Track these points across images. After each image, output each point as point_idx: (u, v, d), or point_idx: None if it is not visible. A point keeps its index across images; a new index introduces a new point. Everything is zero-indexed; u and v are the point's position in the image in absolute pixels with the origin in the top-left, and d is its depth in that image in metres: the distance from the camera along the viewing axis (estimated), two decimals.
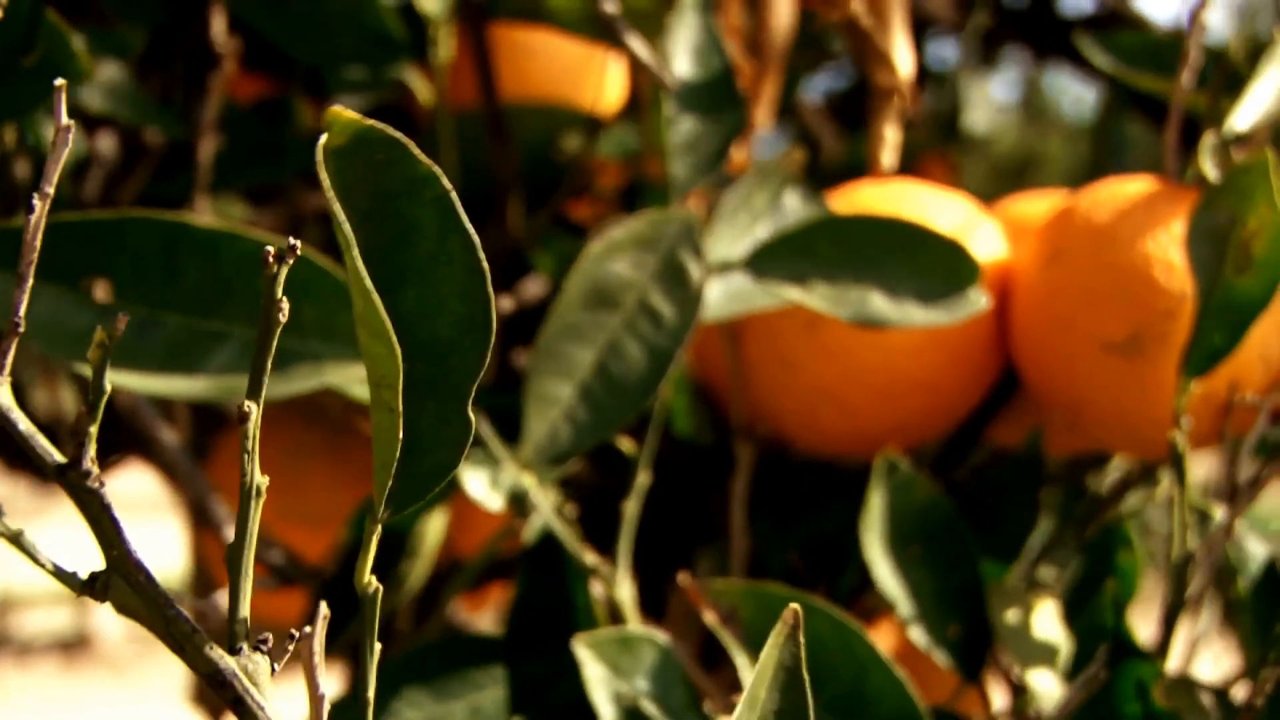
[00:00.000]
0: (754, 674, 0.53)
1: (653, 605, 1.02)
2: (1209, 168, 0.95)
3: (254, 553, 0.85)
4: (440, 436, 0.51)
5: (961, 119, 2.29)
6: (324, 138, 0.48)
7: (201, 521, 1.13)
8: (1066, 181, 1.53)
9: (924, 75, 1.77)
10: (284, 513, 1.12)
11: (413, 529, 0.96)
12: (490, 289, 0.50)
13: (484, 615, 1.40)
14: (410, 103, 1.21)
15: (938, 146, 2.45)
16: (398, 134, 0.49)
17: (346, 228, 0.48)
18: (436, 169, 0.50)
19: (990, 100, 2.28)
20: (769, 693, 0.53)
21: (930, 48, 2.43)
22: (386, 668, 0.88)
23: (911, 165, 2.42)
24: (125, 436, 1.10)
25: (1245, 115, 0.99)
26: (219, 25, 1.06)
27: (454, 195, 0.50)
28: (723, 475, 1.05)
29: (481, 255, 0.50)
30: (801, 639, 0.54)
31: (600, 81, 1.21)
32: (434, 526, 0.96)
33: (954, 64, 1.55)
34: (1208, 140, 0.96)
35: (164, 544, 1.98)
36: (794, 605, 0.54)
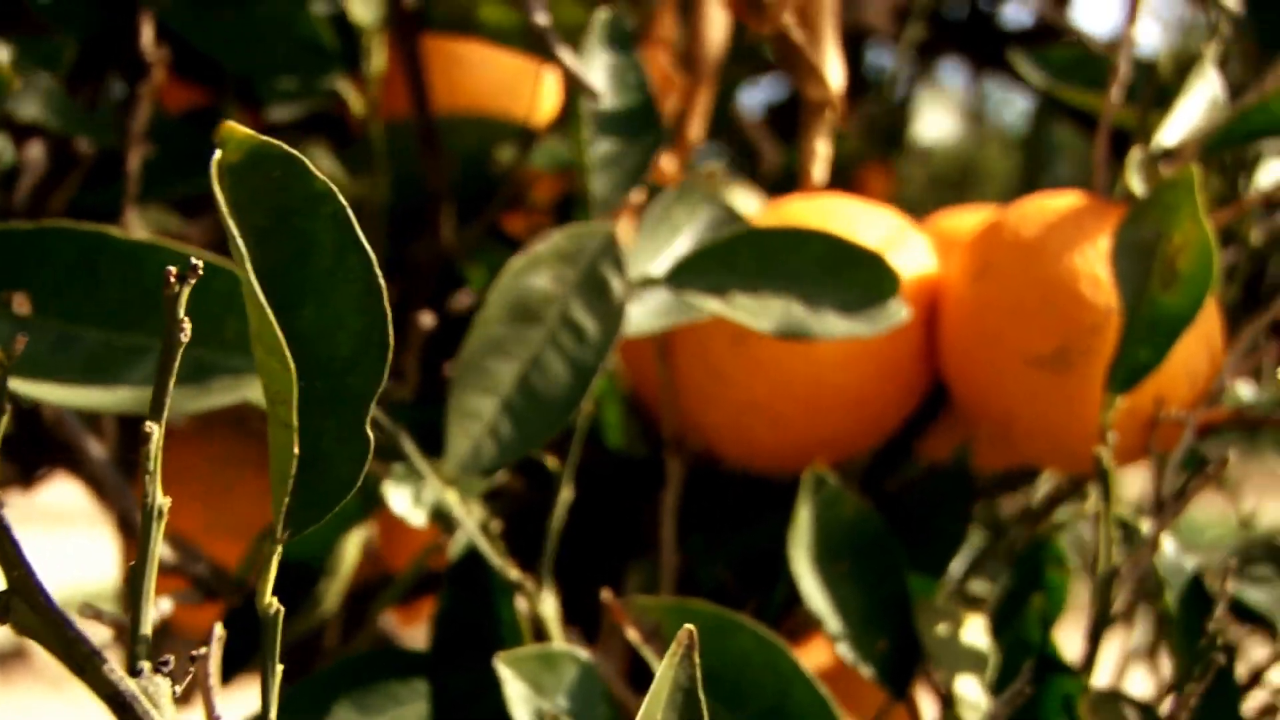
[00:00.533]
0: (649, 695, 0.52)
1: (587, 620, 1.01)
2: (1136, 183, 0.95)
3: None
4: (340, 454, 0.51)
5: (905, 129, 2.30)
6: (218, 154, 0.48)
7: (130, 535, 1.12)
8: (1008, 192, 1.53)
9: (863, 86, 1.77)
10: (211, 525, 1.11)
11: (333, 546, 0.95)
12: (386, 306, 0.50)
13: (420, 630, 1.40)
14: (346, 112, 1.20)
15: (878, 157, 2.46)
16: (293, 151, 0.49)
17: (240, 244, 0.47)
18: (332, 186, 0.49)
19: (938, 110, 2.28)
20: (665, 714, 0.53)
21: (871, 58, 2.45)
22: (311, 682, 0.88)
23: (852, 175, 2.43)
24: (53, 448, 1.09)
25: (1173, 130, 0.99)
26: (147, 34, 1.05)
27: (350, 212, 0.50)
28: (655, 489, 1.04)
29: (378, 272, 0.50)
30: (697, 659, 0.53)
31: (536, 93, 1.21)
32: (353, 543, 0.95)
33: (894, 74, 1.55)
34: (1135, 155, 0.97)
35: (99, 555, 1.96)
36: (689, 626, 0.54)
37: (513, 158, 1.20)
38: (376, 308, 0.51)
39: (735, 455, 1.05)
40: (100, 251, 0.78)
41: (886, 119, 2.34)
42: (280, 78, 1.13)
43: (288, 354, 0.47)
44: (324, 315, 0.51)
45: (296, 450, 0.49)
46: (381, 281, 0.51)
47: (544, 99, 1.25)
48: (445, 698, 0.86)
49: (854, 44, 2.28)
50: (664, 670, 0.53)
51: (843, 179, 1.48)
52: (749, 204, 1.48)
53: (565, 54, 0.92)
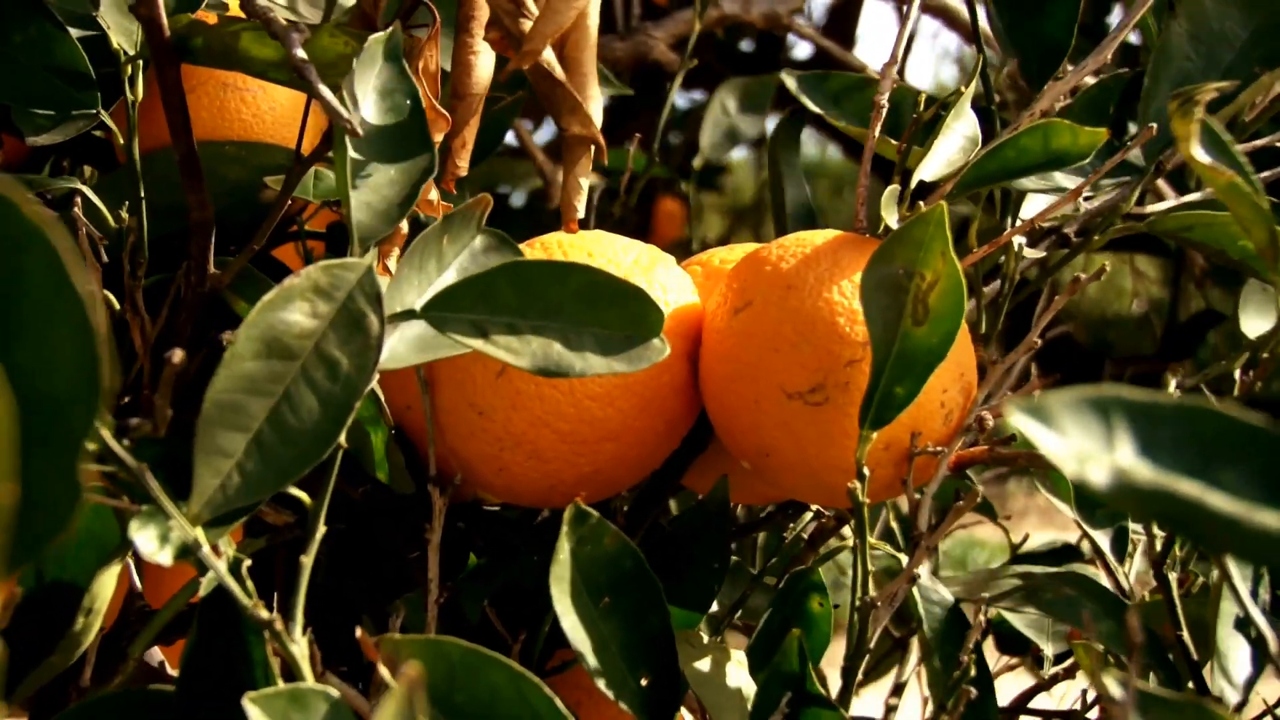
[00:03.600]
0: None
1: (356, 659, 1.00)
2: (893, 218, 0.97)
3: None
4: (54, 495, 0.50)
5: (696, 163, 2.31)
6: None
7: None
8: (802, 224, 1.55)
9: (656, 120, 1.78)
10: None
11: (90, 585, 0.93)
12: (100, 346, 0.49)
13: None
14: (114, 138, 1.18)
15: (672, 190, 2.48)
16: (8, 188, 0.48)
17: None
18: (46, 226, 0.48)
19: (725, 142, 2.29)
20: None
21: (665, 93, 2.46)
22: None
23: (647, 208, 2.44)
24: None
25: (930, 166, 1.01)
26: None
27: (63, 252, 0.49)
28: (422, 524, 1.04)
29: (90, 313, 0.49)
30: (422, 697, 0.53)
31: (311, 122, 1.20)
32: (109, 579, 0.93)
33: (685, 108, 1.56)
34: (892, 191, 0.98)
35: None
36: (414, 663, 0.53)
37: (285, 187, 1.18)
38: (90, 348, 0.50)
39: (497, 489, 1.04)
40: None
41: (677, 153, 2.36)
42: (37, 105, 1.10)
43: (4, 392, 0.46)
44: (39, 355, 0.50)
45: (14, 493, 0.48)
46: (95, 324, 0.50)
47: (315, 127, 1.24)
48: None
49: (646, 80, 2.30)
50: (387, 707, 0.53)
51: (639, 212, 1.49)
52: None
53: (322, 88, 0.91)
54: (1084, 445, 0.51)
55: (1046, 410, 0.51)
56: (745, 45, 2.40)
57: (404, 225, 1.02)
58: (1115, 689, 0.64)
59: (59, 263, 0.49)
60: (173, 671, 1.22)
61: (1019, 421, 0.50)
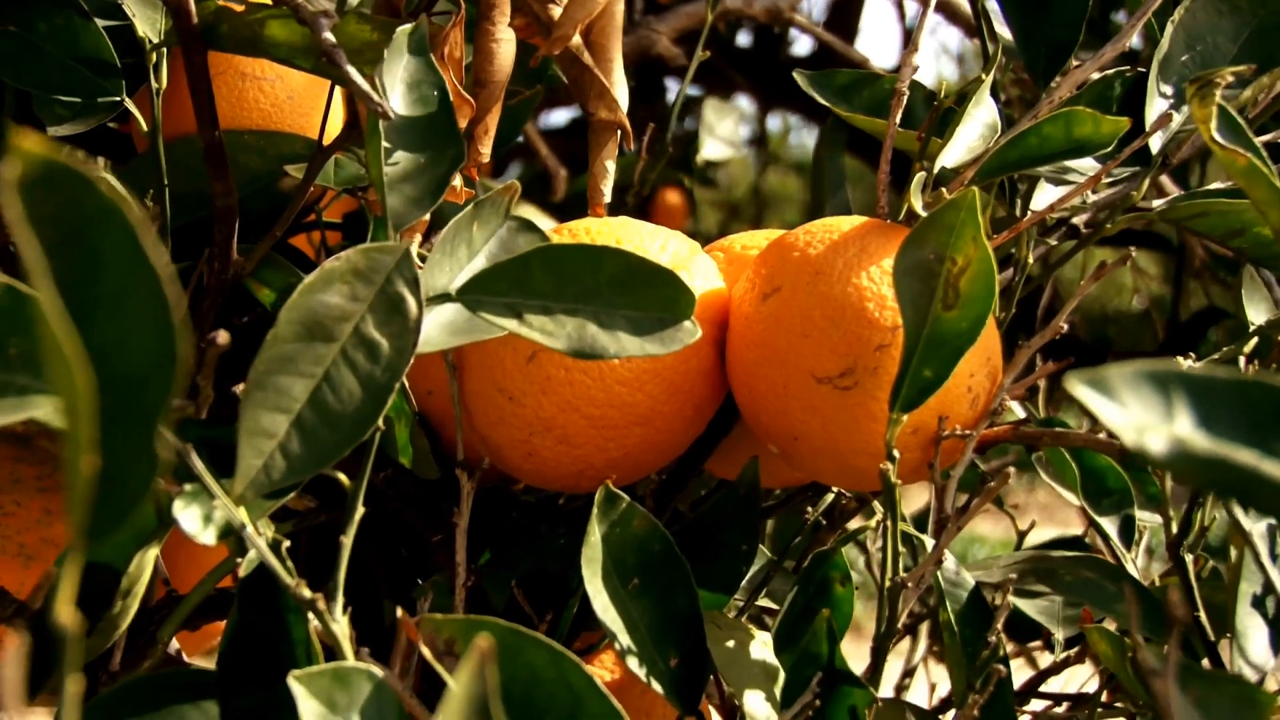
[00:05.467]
0: (444, 707, 0.52)
1: (375, 639, 1.01)
2: (919, 203, 0.98)
3: None
4: (130, 468, 0.51)
5: (696, 156, 2.33)
6: (10, 167, 0.47)
7: None
8: (801, 214, 1.56)
9: (659, 113, 1.79)
10: None
11: (128, 565, 0.93)
12: (176, 322, 0.50)
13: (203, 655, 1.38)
14: (133, 128, 1.19)
15: (674, 182, 2.49)
16: (86, 166, 0.48)
17: (36, 256, 0.46)
18: (123, 203, 0.49)
19: (725, 137, 2.31)
20: None
21: (666, 87, 2.47)
22: (96, 705, 0.86)
23: (649, 199, 2.44)
24: None
25: (952, 154, 1.02)
26: None
27: (140, 229, 0.49)
28: (448, 508, 1.04)
29: (167, 289, 0.50)
30: (494, 673, 0.54)
31: (331, 109, 1.20)
32: (149, 561, 0.94)
33: (680, 100, 1.57)
34: (917, 177, 0.99)
35: None
36: (484, 635, 0.54)
37: (302, 175, 1.19)
38: (166, 325, 0.50)
39: (526, 474, 1.05)
40: None
41: (678, 146, 2.36)
42: (63, 93, 1.11)
43: (79, 370, 0.46)
44: (116, 331, 0.50)
45: (95, 466, 0.48)
46: (171, 298, 0.50)
47: (336, 115, 1.25)
48: (235, 718, 0.85)
49: (650, 73, 2.31)
50: (458, 682, 0.53)
51: (643, 202, 1.50)
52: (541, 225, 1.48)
53: (353, 73, 0.92)
54: (1143, 416, 0.52)
55: (1107, 383, 0.52)
56: (745, 39, 2.42)
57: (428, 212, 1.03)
58: (1154, 662, 0.65)
59: (136, 240, 0.50)
60: (189, 658, 1.23)
61: (1080, 393, 0.52)
